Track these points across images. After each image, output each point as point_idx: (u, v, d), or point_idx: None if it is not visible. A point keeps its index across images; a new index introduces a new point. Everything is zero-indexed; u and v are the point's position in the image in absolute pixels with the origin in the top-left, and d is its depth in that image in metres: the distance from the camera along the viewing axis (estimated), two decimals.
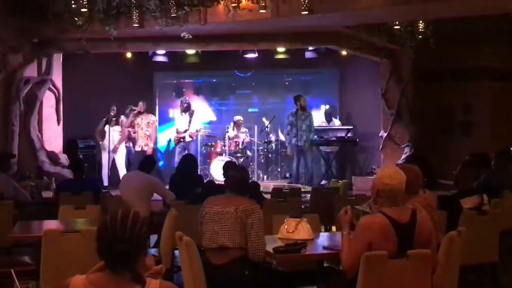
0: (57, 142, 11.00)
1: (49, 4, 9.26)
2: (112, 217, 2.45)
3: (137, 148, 11.29)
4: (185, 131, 11.76)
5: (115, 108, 11.49)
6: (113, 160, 11.47)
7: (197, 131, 11.91)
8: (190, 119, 11.83)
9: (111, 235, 2.41)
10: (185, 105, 11.99)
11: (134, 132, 11.51)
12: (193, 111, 11.98)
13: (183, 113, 11.95)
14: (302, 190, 9.09)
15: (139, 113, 11.37)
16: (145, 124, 11.37)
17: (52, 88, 10.80)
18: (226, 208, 4.47)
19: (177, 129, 11.86)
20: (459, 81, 10.90)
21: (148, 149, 11.24)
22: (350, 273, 3.80)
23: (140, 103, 11.48)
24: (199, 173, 10.41)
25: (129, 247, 2.39)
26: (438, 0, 7.50)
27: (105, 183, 11.10)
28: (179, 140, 11.79)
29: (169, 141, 12.93)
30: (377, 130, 11.56)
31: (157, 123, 11.86)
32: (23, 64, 10.10)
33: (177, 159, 11.61)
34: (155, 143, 11.82)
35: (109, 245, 2.39)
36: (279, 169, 12.86)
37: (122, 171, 11.28)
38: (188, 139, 11.79)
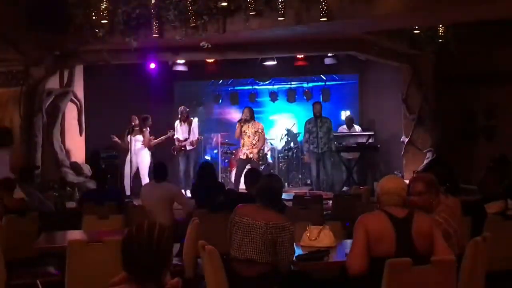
0: (80, 153, 11.10)
1: (70, 16, 9.37)
2: (138, 230, 2.47)
3: (242, 156, 11.07)
4: (185, 140, 11.79)
5: (136, 118, 11.55)
6: (137, 170, 11.54)
7: (198, 139, 11.93)
8: (189, 128, 11.86)
9: (138, 247, 2.42)
10: (185, 115, 11.99)
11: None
12: (191, 119, 12.00)
13: (182, 123, 11.96)
14: (324, 197, 9.04)
15: (246, 120, 11.00)
16: (252, 132, 10.97)
17: (74, 99, 10.92)
18: (256, 222, 4.32)
19: (177, 138, 11.90)
20: (481, 85, 10.81)
21: (254, 156, 11.00)
22: (351, 268, 3.88)
23: (245, 110, 11.12)
24: (220, 180, 10.48)
25: (155, 260, 2.40)
26: (458, 4, 7.44)
27: (128, 192, 11.16)
28: (180, 149, 11.83)
29: None
30: (398, 135, 11.49)
31: (264, 132, 11.37)
32: (45, 76, 10.21)
33: (182, 167, 11.80)
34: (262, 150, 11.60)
35: (136, 257, 2.40)
36: (300, 176, 12.84)
37: (146, 180, 11.33)
38: (189, 147, 11.83)
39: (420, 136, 11.05)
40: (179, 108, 12.17)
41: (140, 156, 11.57)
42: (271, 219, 4.32)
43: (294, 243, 4.79)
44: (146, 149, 11.66)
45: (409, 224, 3.87)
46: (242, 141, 11.01)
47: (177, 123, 11.97)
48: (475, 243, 4.18)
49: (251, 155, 10.89)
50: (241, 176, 10.72)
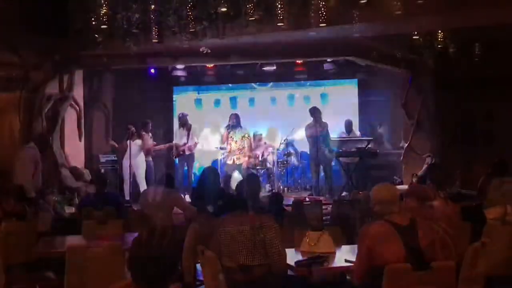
0: (79, 158, 11.09)
1: (69, 21, 9.38)
2: (149, 237, 2.42)
3: (229, 162, 11.11)
4: (184, 145, 11.83)
5: (132, 127, 11.50)
6: (133, 175, 11.54)
7: (195, 144, 11.95)
8: (188, 133, 11.90)
9: (146, 255, 2.38)
10: (184, 120, 12.04)
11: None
12: (190, 125, 12.04)
13: (181, 128, 12.01)
14: (323, 202, 9.04)
15: (233, 127, 11.16)
16: (239, 138, 11.15)
17: (74, 104, 10.91)
18: (241, 227, 4.39)
19: (176, 144, 11.94)
20: (480, 90, 10.81)
21: (244, 163, 11.05)
22: (355, 279, 3.96)
23: (232, 117, 11.30)
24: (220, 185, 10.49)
25: (164, 269, 2.37)
26: (457, 9, 7.45)
27: (127, 197, 11.16)
28: (178, 154, 11.86)
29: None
30: (397, 140, 11.48)
31: (251, 138, 11.53)
32: (44, 81, 10.21)
33: (180, 171, 11.90)
34: (250, 156, 11.56)
35: (144, 266, 2.37)
36: (299, 181, 12.83)
37: (142, 185, 11.35)
38: (187, 152, 11.86)
39: (419, 141, 11.05)
40: (178, 114, 12.17)
41: (137, 161, 11.57)
42: (255, 221, 4.41)
43: (294, 249, 4.80)
44: (142, 154, 11.67)
45: (415, 231, 3.86)
46: (229, 147, 11.17)
47: (176, 128, 11.99)
48: (474, 249, 4.19)
49: (237, 161, 11.03)
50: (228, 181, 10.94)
